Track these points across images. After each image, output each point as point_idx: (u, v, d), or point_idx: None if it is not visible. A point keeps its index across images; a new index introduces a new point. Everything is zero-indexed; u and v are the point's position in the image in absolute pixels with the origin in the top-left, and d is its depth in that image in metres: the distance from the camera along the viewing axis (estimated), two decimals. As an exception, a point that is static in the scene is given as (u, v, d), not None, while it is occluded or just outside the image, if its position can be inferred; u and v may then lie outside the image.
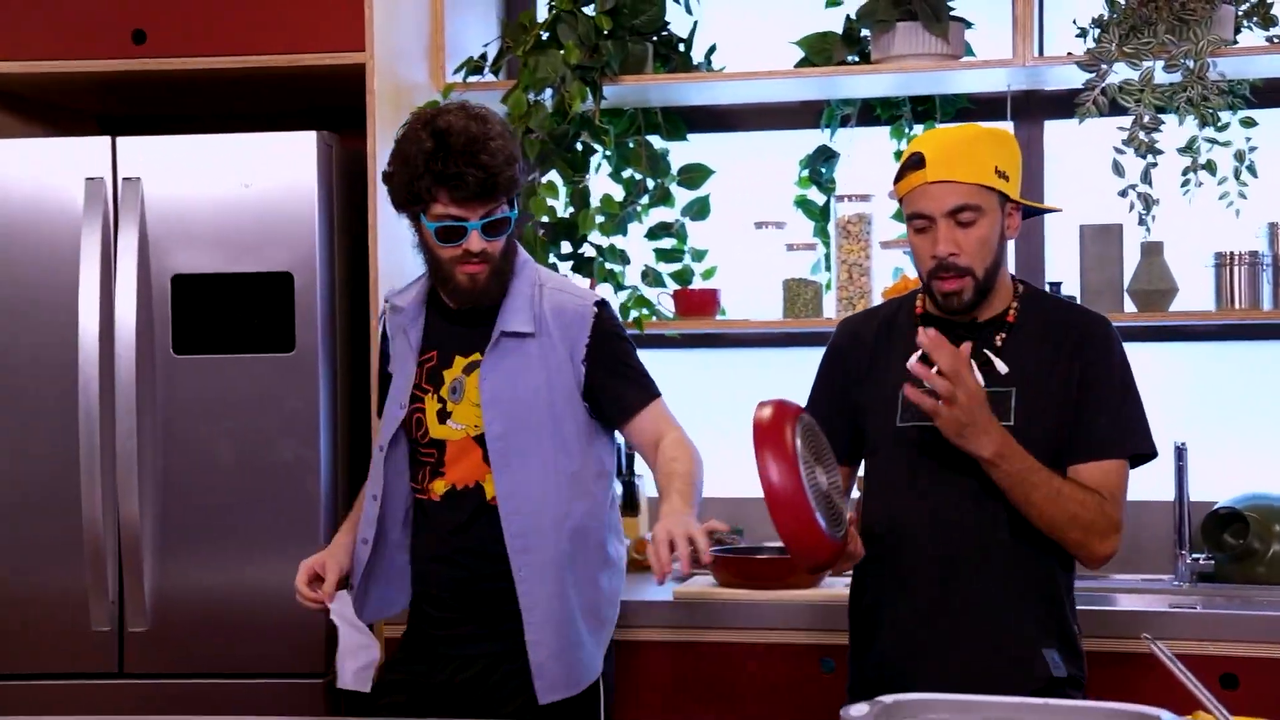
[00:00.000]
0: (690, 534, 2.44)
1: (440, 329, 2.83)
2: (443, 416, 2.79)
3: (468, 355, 2.79)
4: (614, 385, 2.80)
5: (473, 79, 3.74)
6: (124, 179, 3.41)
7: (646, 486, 3.89)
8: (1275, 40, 3.52)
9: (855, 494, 2.93)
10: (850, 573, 2.77)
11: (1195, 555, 3.57)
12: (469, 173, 2.64)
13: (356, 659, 2.94)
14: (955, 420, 2.43)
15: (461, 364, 2.79)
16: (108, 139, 3.43)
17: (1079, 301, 3.59)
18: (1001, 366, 2.60)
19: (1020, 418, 2.57)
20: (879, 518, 2.68)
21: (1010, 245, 3.74)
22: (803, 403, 2.70)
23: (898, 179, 2.63)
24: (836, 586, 3.35)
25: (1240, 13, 3.51)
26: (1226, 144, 3.44)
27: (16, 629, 3.43)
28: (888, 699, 1.95)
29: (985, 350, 2.61)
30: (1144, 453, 2.64)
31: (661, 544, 2.44)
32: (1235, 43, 3.48)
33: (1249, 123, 3.47)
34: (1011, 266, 3.79)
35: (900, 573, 2.64)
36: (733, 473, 3.87)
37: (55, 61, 3.55)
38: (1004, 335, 2.63)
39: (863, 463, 2.79)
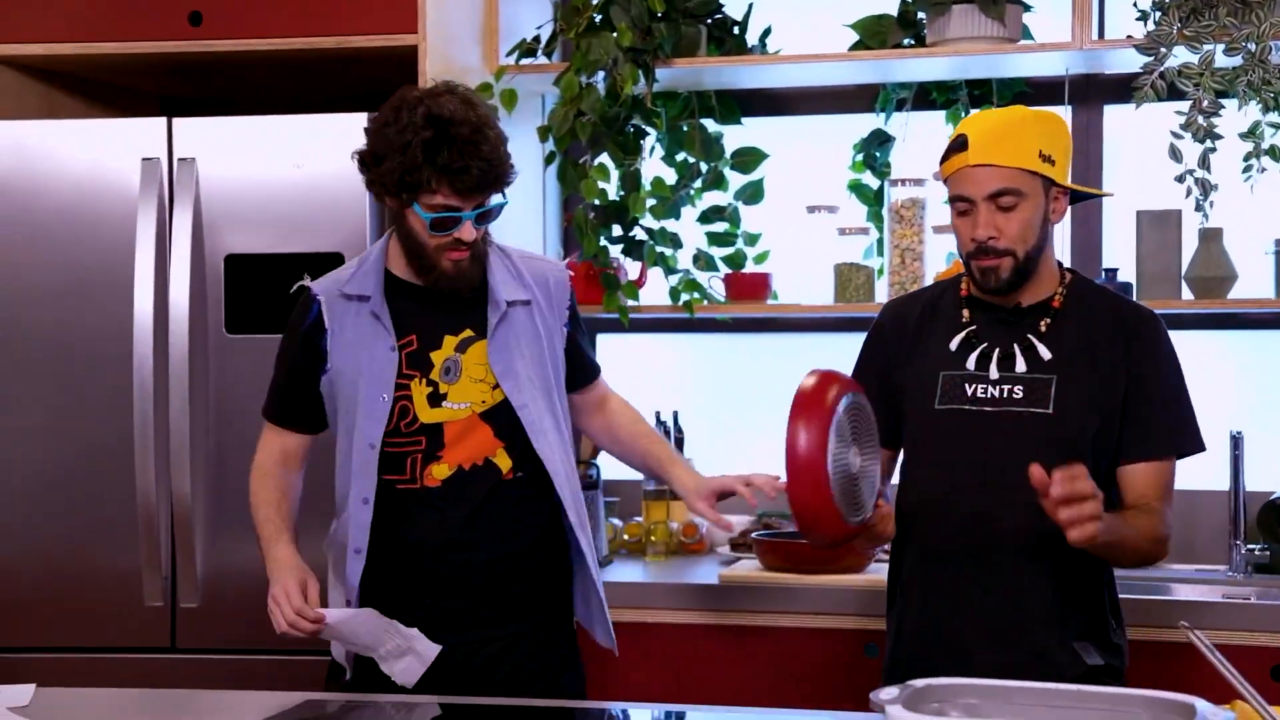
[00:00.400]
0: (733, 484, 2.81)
1: (414, 311, 2.71)
2: (435, 400, 2.68)
3: (458, 333, 2.71)
4: (585, 348, 2.90)
5: (525, 61, 3.75)
6: (179, 159, 3.44)
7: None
8: (1339, 23, 3.47)
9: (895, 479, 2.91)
10: (888, 553, 2.77)
11: (1250, 546, 3.54)
12: (474, 165, 2.57)
13: (400, 658, 2.67)
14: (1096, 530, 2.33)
15: (453, 343, 2.71)
16: (163, 120, 3.47)
17: (1136, 287, 3.58)
18: (1045, 353, 2.58)
19: (1059, 406, 2.55)
20: (914, 499, 2.67)
21: (1066, 231, 3.81)
22: None
23: (943, 160, 2.62)
24: (881, 572, 3.34)
25: (1305, -5, 3.46)
26: (1289, 129, 3.41)
27: (73, 604, 3.47)
28: (919, 683, 1.95)
29: (1030, 336, 2.60)
30: (1192, 451, 2.63)
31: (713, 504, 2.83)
32: (1298, 25, 3.43)
33: (1313, 107, 3.42)
34: (1068, 252, 3.82)
35: (933, 554, 2.63)
36: (781, 458, 3.88)
37: (113, 43, 3.59)
38: (1049, 321, 2.60)
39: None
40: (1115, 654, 2.61)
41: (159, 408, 3.41)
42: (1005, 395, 2.58)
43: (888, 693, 1.89)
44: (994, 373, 2.59)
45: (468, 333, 2.71)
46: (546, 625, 2.78)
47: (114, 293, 3.44)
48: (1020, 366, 2.57)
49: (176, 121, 3.46)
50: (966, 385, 2.60)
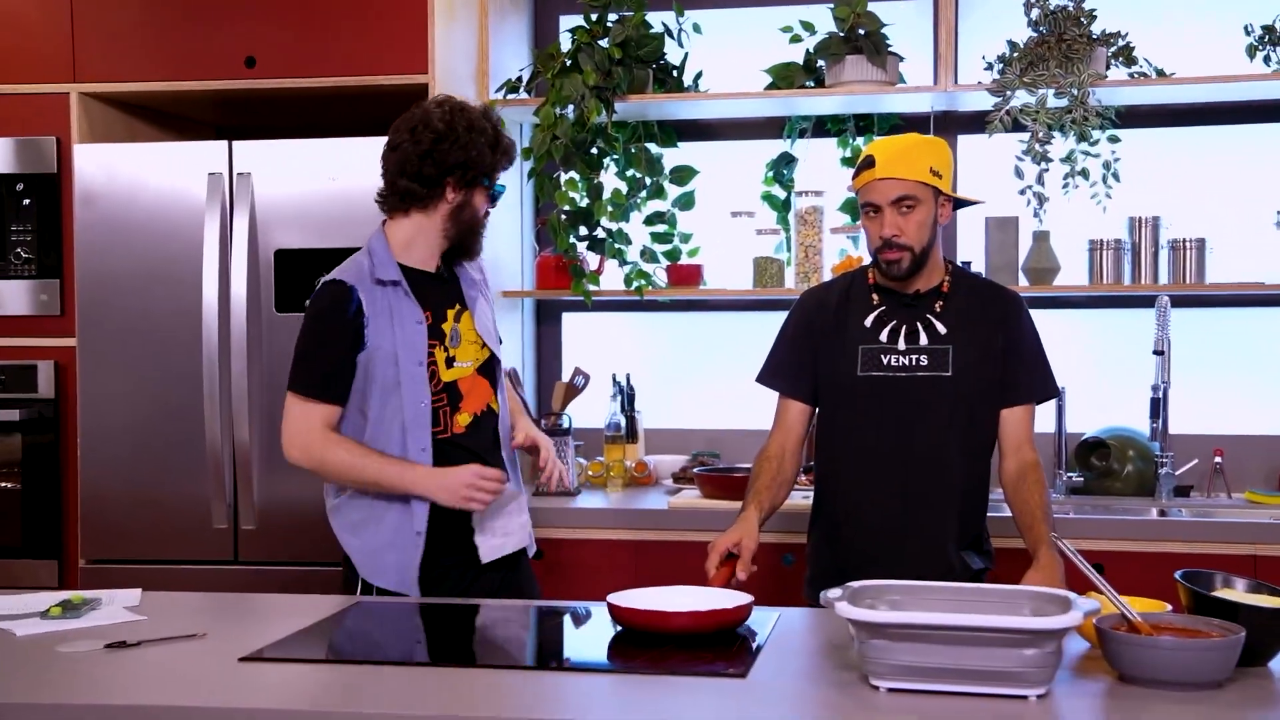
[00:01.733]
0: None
1: (423, 293, 2.64)
2: (449, 362, 2.64)
3: (452, 307, 2.68)
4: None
5: (511, 96, 3.73)
6: (238, 174, 3.40)
7: (644, 420, 3.92)
8: (1135, 75, 3.55)
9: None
10: (811, 490, 2.78)
11: (1070, 474, 3.62)
12: (511, 148, 2.69)
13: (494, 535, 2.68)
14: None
15: (451, 315, 2.67)
16: (225, 143, 3.42)
17: (984, 276, 3.62)
18: (940, 328, 2.61)
19: (956, 369, 2.58)
20: (842, 450, 2.66)
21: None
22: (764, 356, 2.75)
23: (854, 176, 2.63)
24: (795, 499, 3.39)
25: (1110, 53, 3.53)
26: (1097, 155, 3.47)
27: (156, 525, 3.46)
28: (855, 584, 1.98)
29: (928, 315, 2.62)
30: (1051, 395, 2.69)
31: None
32: (1106, 77, 3.50)
33: (1115, 139, 3.49)
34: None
35: (859, 497, 2.63)
36: (709, 409, 3.92)
37: (184, 82, 3.53)
38: (941, 303, 2.63)
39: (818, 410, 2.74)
40: (988, 558, 2.68)
41: (223, 372, 3.38)
42: (914, 363, 2.59)
43: (834, 593, 1.93)
44: (902, 344, 2.60)
45: (458, 306, 2.69)
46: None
47: (186, 281, 3.41)
48: (923, 340, 2.60)
49: (236, 144, 3.42)
50: (882, 355, 2.61)
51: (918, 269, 2.60)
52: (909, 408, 2.58)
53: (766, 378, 2.74)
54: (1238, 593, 2.03)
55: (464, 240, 2.67)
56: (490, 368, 2.71)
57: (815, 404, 2.73)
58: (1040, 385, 2.65)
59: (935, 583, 2.04)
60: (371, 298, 2.60)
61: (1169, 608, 2.05)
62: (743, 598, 2.21)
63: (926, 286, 2.64)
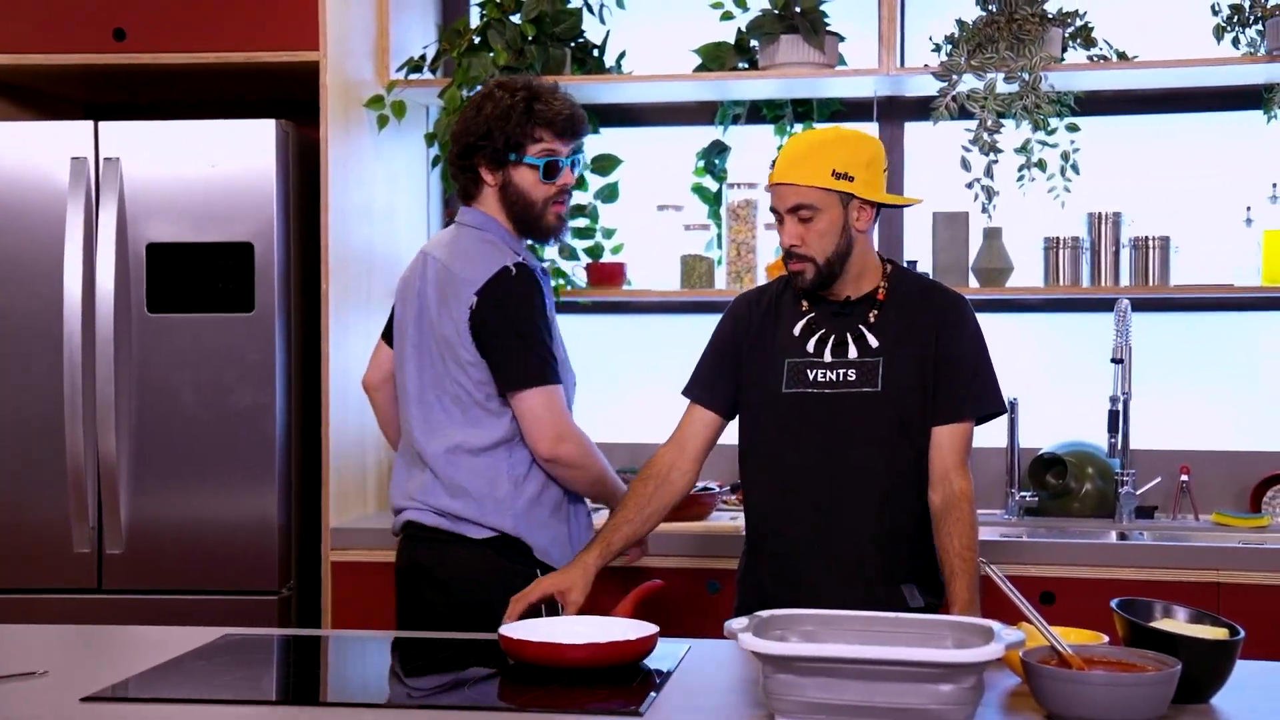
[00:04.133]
0: None
1: None
2: None
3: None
4: None
5: (413, 76, 3.70)
6: (105, 159, 3.35)
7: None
8: (1094, 59, 3.58)
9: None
10: (740, 511, 2.75)
11: (1023, 493, 3.64)
12: (564, 108, 2.73)
13: None
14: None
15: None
16: (90, 123, 3.37)
17: (931, 276, 3.62)
18: (873, 340, 2.56)
19: (886, 384, 2.53)
20: (766, 469, 2.61)
21: (874, 229, 3.85)
22: (694, 362, 2.72)
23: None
24: (722, 520, 3.39)
25: (1066, 35, 3.56)
26: (1054, 145, 3.49)
27: (9, 550, 3.39)
28: (764, 614, 1.98)
29: (860, 325, 2.57)
30: (994, 412, 2.62)
31: None
32: (1063, 60, 3.53)
33: (1073, 128, 3.51)
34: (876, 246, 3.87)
35: (782, 516, 2.59)
36: (633, 422, 3.91)
37: (44, 54, 3.48)
38: (876, 313, 2.58)
39: (740, 423, 2.69)
40: (936, 593, 2.58)
41: (87, 378, 3.33)
42: (840, 379, 2.55)
43: (738, 623, 1.92)
44: (828, 357, 2.56)
45: None
46: None
47: (46, 277, 3.36)
48: (851, 352, 2.55)
49: (102, 125, 3.37)
50: (808, 371, 2.56)
51: (829, 279, 2.55)
52: (835, 427, 2.54)
53: (690, 389, 2.71)
54: (1178, 623, 2.04)
55: (525, 222, 2.74)
56: None
57: (727, 418, 2.68)
58: (978, 400, 2.57)
59: (853, 612, 2.03)
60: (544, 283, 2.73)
61: (1105, 639, 2.06)
62: (647, 628, 2.20)
63: (858, 294, 2.59)
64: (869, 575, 2.55)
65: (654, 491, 2.63)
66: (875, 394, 2.53)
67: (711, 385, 2.66)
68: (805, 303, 2.62)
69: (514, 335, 2.62)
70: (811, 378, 2.57)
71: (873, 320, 2.58)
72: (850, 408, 2.54)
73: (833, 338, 2.58)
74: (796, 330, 2.60)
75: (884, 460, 2.54)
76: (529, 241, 2.80)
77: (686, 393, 2.70)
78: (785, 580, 2.59)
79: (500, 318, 2.62)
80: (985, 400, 2.59)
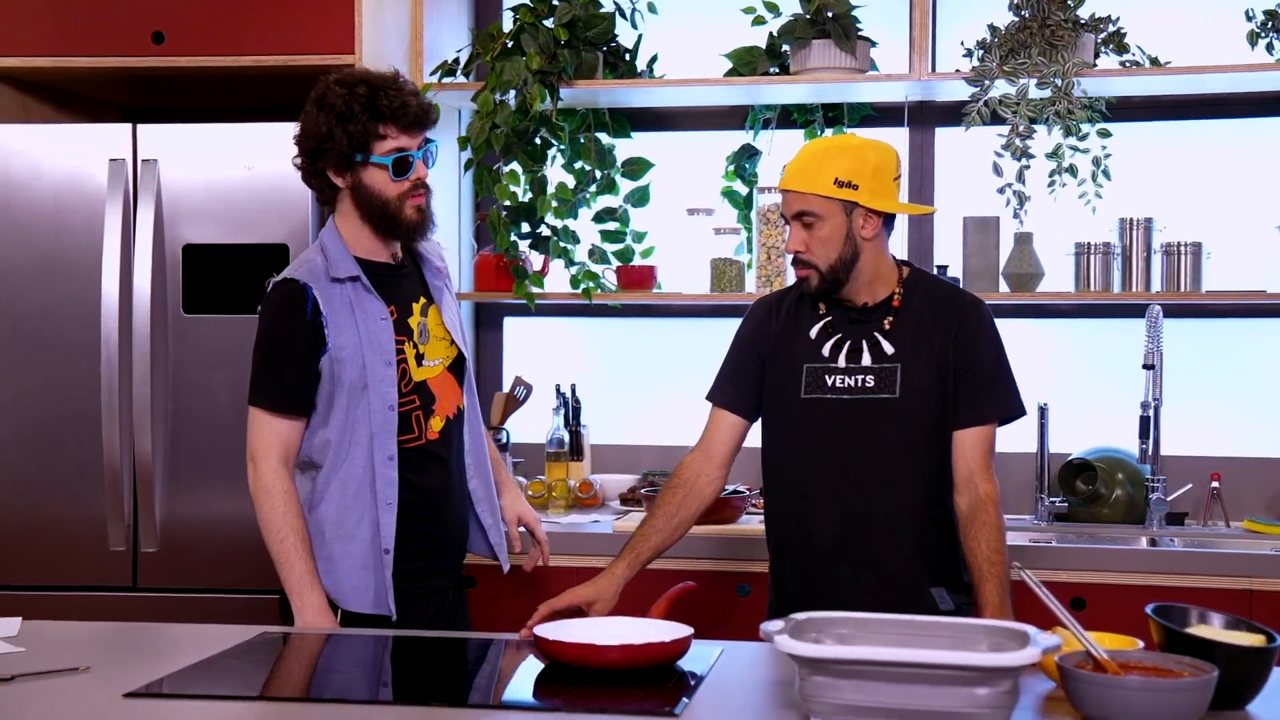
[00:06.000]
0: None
1: (385, 286, 2.63)
2: (419, 360, 2.64)
3: (417, 300, 2.68)
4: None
5: (447, 80, 3.73)
6: (143, 160, 3.39)
7: (590, 435, 3.92)
8: (1126, 64, 3.58)
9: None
10: (763, 515, 2.77)
11: (1053, 499, 3.64)
12: (410, 101, 2.59)
13: None
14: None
15: (417, 309, 2.67)
16: (129, 125, 3.41)
17: (961, 282, 3.63)
18: (888, 347, 2.56)
19: (904, 390, 2.54)
20: (788, 477, 2.63)
21: (903, 233, 3.86)
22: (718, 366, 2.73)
23: None
24: (751, 523, 3.40)
25: (1099, 40, 3.56)
26: (1086, 151, 3.49)
27: (46, 548, 3.42)
28: (800, 616, 1.99)
29: (876, 333, 2.58)
30: (1014, 414, 2.62)
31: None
32: (1095, 65, 3.53)
33: (1105, 134, 3.51)
34: (904, 252, 3.88)
35: (807, 524, 2.60)
36: (663, 425, 3.92)
37: (84, 58, 3.52)
38: (891, 320, 2.58)
39: (762, 429, 2.70)
40: (966, 595, 2.59)
41: (123, 378, 3.36)
42: (859, 384, 2.56)
43: (774, 625, 1.93)
44: (843, 362, 2.56)
45: (423, 300, 2.70)
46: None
47: (84, 277, 3.39)
48: (866, 359, 2.56)
49: (141, 127, 3.40)
50: (826, 376, 2.57)
51: (835, 286, 2.56)
52: (854, 432, 2.55)
53: (712, 393, 2.73)
54: (1214, 629, 2.04)
55: (384, 224, 2.62)
56: (459, 366, 2.73)
57: (752, 420, 2.69)
58: (999, 403, 2.57)
59: (887, 615, 2.04)
60: (328, 295, 2.57)
61: (1140, 644, 2.06)
62: (682, 630, 2.22)
63: (873, 300, 2.60)
64: (896, 581, 2.56)
65: (682, 500, 2.64)
66: (894, 400, 2.55)
67: (735, 388, 2.67)
68: (823, 305, 2.63)
69: (255, 350, 2.62)
70: (830, 383, 2.58)
71: (888, 327, 2.58)
72: (869, 414, 2.56)
73: (848, 343, 2.59)
74: (813, 333, 2.61)
75: (906, 466, 2.56)
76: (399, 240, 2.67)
77: (710, 397, 2.72)
78: (812, 587, 2.60)
79: (257, 333, 2.62)
80: (1007, 403, 2.60)
